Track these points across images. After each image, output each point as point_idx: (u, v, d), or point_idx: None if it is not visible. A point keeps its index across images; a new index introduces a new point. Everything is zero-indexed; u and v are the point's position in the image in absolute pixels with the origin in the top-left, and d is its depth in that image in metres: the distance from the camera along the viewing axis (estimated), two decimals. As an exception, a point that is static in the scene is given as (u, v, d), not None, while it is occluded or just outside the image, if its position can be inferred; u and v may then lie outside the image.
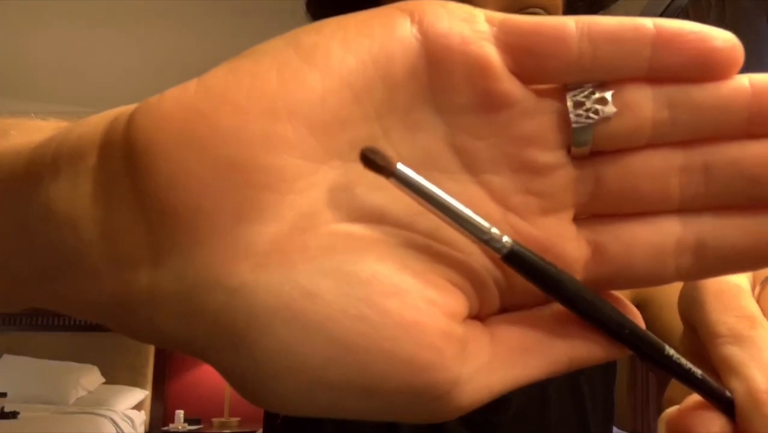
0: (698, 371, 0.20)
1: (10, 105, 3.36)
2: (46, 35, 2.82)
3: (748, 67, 0.18)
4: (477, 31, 0.17)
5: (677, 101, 0.18)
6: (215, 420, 3.63)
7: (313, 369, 0.16)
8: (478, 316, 0.19)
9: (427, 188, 0.17)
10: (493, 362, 0.18)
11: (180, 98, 0.16)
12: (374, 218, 0.17)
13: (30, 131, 0.21)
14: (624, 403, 2.77)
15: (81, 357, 3.53)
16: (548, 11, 0.52)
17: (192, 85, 0.17)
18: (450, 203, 0.17)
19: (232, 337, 0.16)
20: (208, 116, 0.16)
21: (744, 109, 0.18)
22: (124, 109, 0.18)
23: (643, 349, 0.19)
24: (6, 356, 3.52)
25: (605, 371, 0.62)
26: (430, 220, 0.18)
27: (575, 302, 0.18)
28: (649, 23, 0.17)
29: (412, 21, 0.17)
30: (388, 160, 0.17)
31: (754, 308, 0.23)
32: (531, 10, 0.51)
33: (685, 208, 0.19)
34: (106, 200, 0.17)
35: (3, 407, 2.83)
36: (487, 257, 0.18)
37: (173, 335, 0.17)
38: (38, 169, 0.18)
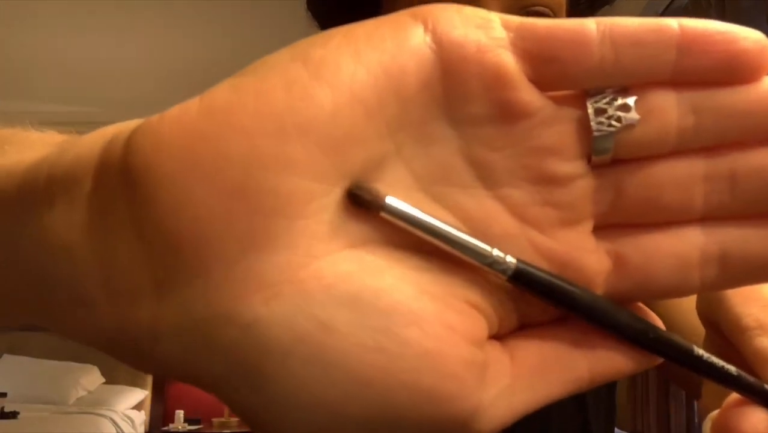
0: (732, 368, 0.19)
1: (10, 105, 3.36)
2: (46, 35, 2.81)
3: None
4: (493, 38, 0.16)
5: (703, 107, 0.17)
6: (215, 420, 3.63)
7: (331, 405, 0.16)
8: (497, 335, 0.18)
9: (421, 219, 0.16)
10: (514, 384, 0.17)
11: (181, 120, 0.15)
12: (389, 241, 0.17)
13: (24, 147, 0.20)
14: (624, 403, 2.77)
15: (81, 357, 3.52)
16: (553, 10, 0.51)
17: (194, 105, 0.16)
18: (446, 231, 0.16)
19: (244, 373, 0.15)
20: (212, 139, 0.15)
21: None
22: (121, 129, 0.16)
23: (670, 353, 0.19)
24: (6, 356, 3.52)
25: None
26: None
27: (591, 313, 0.18)
28: (673, 24, 0.17)
29: (425, 29, 0.16)
30: (376, 195, 0.16)
31: None
32: (535, 9, 0.50)
33: (709, 217, 0.18)
34: (104, 229, 0.16)
35: (3, 407, 2.83)
36: (494, 279, 0.18)
37: (179, 369, 0.16)
38: (31, 193, 0.17)
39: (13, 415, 2.83)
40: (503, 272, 0.17)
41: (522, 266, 0.17)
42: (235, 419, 3.60)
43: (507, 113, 0.17)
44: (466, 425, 0.16)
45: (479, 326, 0.17)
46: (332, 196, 0.16)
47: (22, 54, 2.97)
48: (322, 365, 0.15)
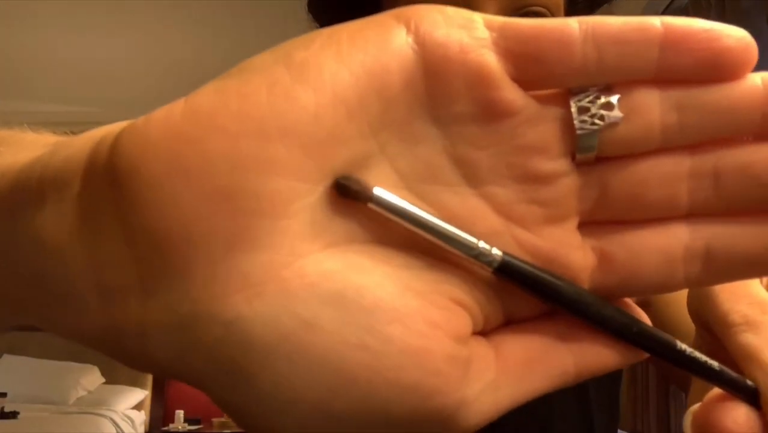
0: (715, 363, 0.19)
1: (10, 105, 3.36)
2: (46, 35, 2.81)
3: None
4: (476, 38, 0.17)
5: (686, 104, 0.17)
6: (215, 420, 3.63)
7: (315, 401, 0.16)
8: (482, 331, 0.18)
9: (408, 210, 0.17)
10: (499, 378, 0.18)
11: (166, 122, 0.16)
12: (372, 239, 0.17)
13: (19, 148, 0.20)
14: (624, 403, 2.77)
15: (81, 357, 3.52)
16: (550, 10, 0.51)
17: (178, 107, 0.16)
18: (433, 223, 0.17)
19: (230, 371, 0.16)
20: (196, 142, 0.15)
21: (756, 111, 0.17)
22: (109, 131, 0.17)
23: (653, 347, 0.19)
24: (6, 356, 3.52)
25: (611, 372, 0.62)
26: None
27: (575, 306, 0.18)
28: (656, 22, 0.17)
29: (408, 30, 0.16)
30: (364, 186, 0.16)
31: (764, 294, 0.23)
32: (533, 9, 0.50)
33: (693, 213, 0.18)
34: (92, 229, 0.16)
35: (3, 407, 2.82)
36: (479, 272, 0.18)
37: (167, 366, 0.16)
38: (24, 193, 0.18)
39: (13, 415, 2.82)
40: (489, 263, 0.17)
41: (507, 258, 0.17)
42: (235, 419, 3.60)
43: (490, 112, 0.17)
44: (450, 420, 0.17)
45: (463, 322, 0.17)
46: (315, 195, 0.16)
47: (22, 54, 2.97)
48: (306, 363, 0.15)
